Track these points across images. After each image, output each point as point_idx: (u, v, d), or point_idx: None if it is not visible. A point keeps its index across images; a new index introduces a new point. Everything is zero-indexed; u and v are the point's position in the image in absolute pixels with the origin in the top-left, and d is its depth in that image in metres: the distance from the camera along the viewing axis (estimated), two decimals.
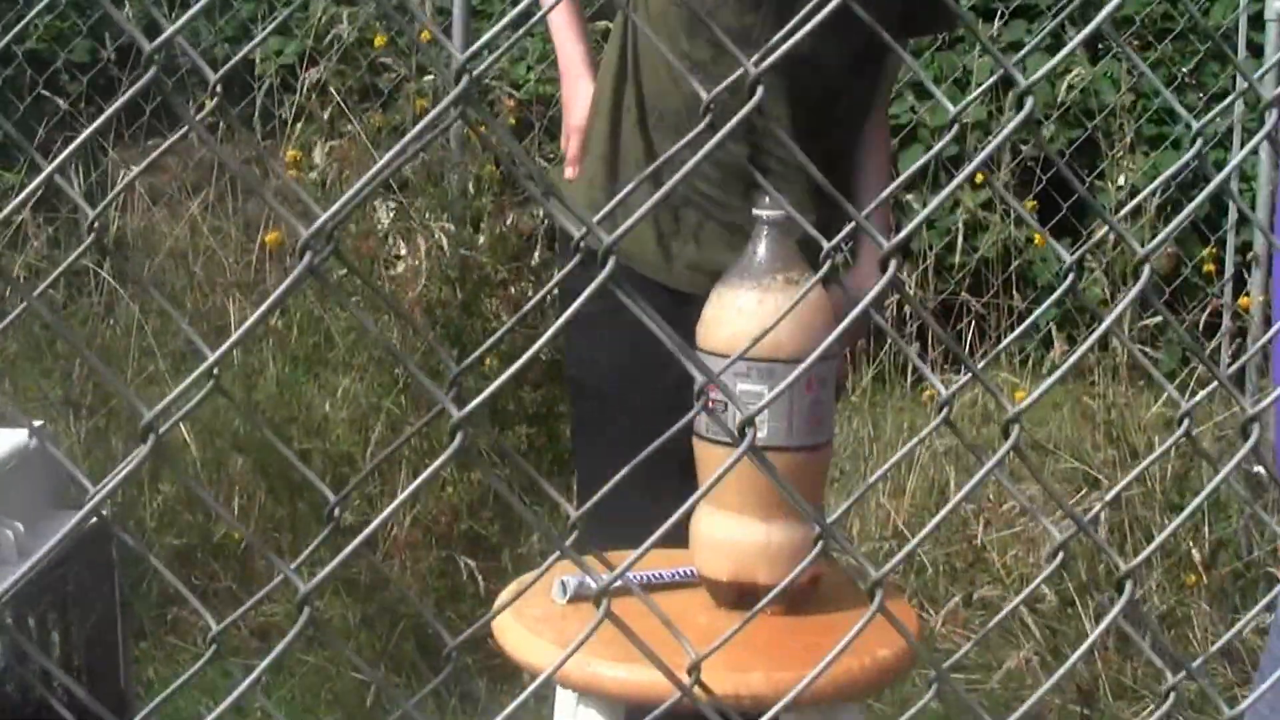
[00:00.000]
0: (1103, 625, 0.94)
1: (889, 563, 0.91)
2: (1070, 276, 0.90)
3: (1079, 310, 4.59)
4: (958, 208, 4.78)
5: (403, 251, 4.01)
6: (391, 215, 4.07)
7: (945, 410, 0.91)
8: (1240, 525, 3.86)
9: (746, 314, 1.78)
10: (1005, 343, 3.66)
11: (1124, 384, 4.15)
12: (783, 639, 1.77)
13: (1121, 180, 4.64)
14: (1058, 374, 0.96)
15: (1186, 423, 0.96)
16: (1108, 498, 1.05)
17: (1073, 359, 1.08)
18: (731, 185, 2.30)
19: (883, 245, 0.83)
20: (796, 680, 1.66)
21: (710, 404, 1.82)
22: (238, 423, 3.87)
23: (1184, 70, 4.93)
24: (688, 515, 1.78)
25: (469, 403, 0.88)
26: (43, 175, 0.82)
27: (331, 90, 4.28)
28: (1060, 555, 0.93)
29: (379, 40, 4.45)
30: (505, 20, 0.79)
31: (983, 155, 0.89)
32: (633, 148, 2.36)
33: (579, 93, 2.49)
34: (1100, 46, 4.97)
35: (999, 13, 5.03)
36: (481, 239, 3.98)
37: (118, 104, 0.82)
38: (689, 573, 1.88)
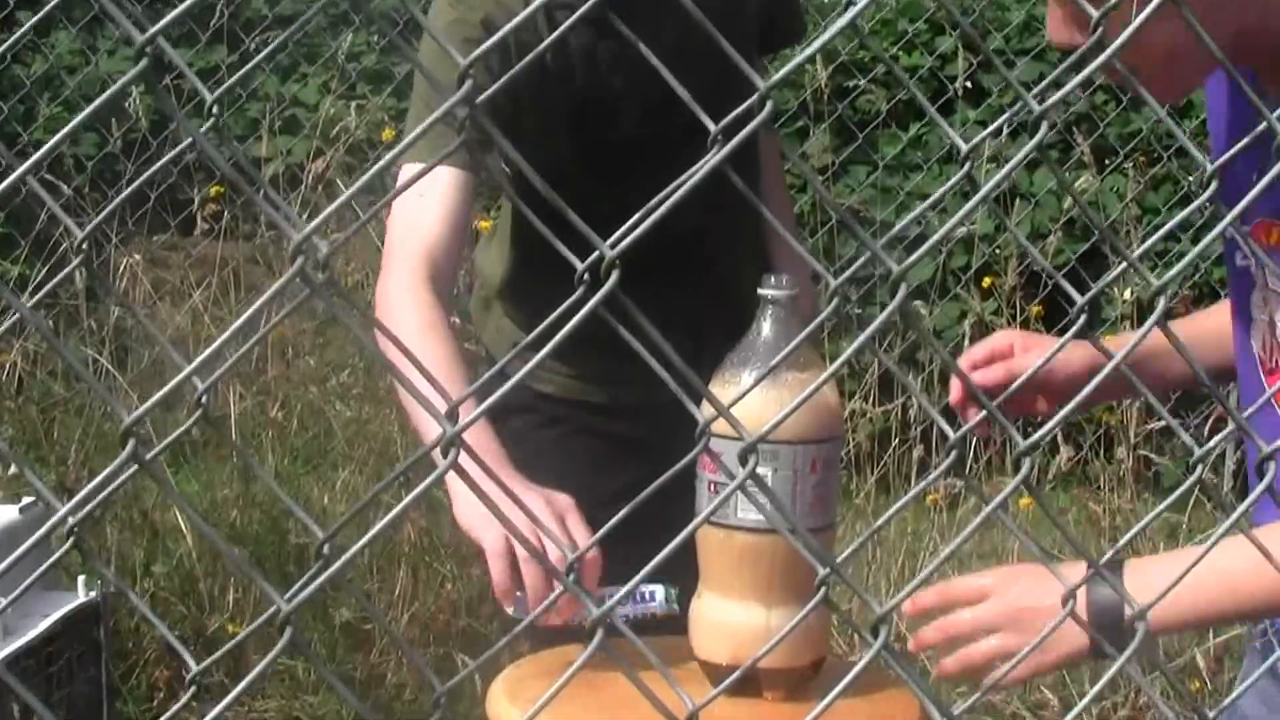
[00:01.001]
0: (1113, 669, 0.90)
1: (891, 601, 0.87)
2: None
3: (1086, 418, 4.56)
4: (965, 317, 4.76)
5: None
6: None
7: (954, 454, 0.88)
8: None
9: (755, 397, 1.74)
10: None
11: (1129, 491, 4.11)
12: None
13: (1128, 294, 4.64)
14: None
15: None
16: (1122, 540, 1.00)
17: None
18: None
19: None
20: None
21: (714, 487, 1.79)
22: (235, 513, 3.83)
23: (1192, 183, 4.93)
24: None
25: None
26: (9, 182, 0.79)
27: (338, 184, 4.29)
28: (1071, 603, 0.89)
29: (386, 134, 4.46)
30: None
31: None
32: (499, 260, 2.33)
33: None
34: (1107, 161, 4.99)
35: (1002, 129, 5.05)
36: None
37: (111, 91, 0.79)
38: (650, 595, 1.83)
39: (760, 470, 1.72)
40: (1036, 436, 0.87)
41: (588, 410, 2.25)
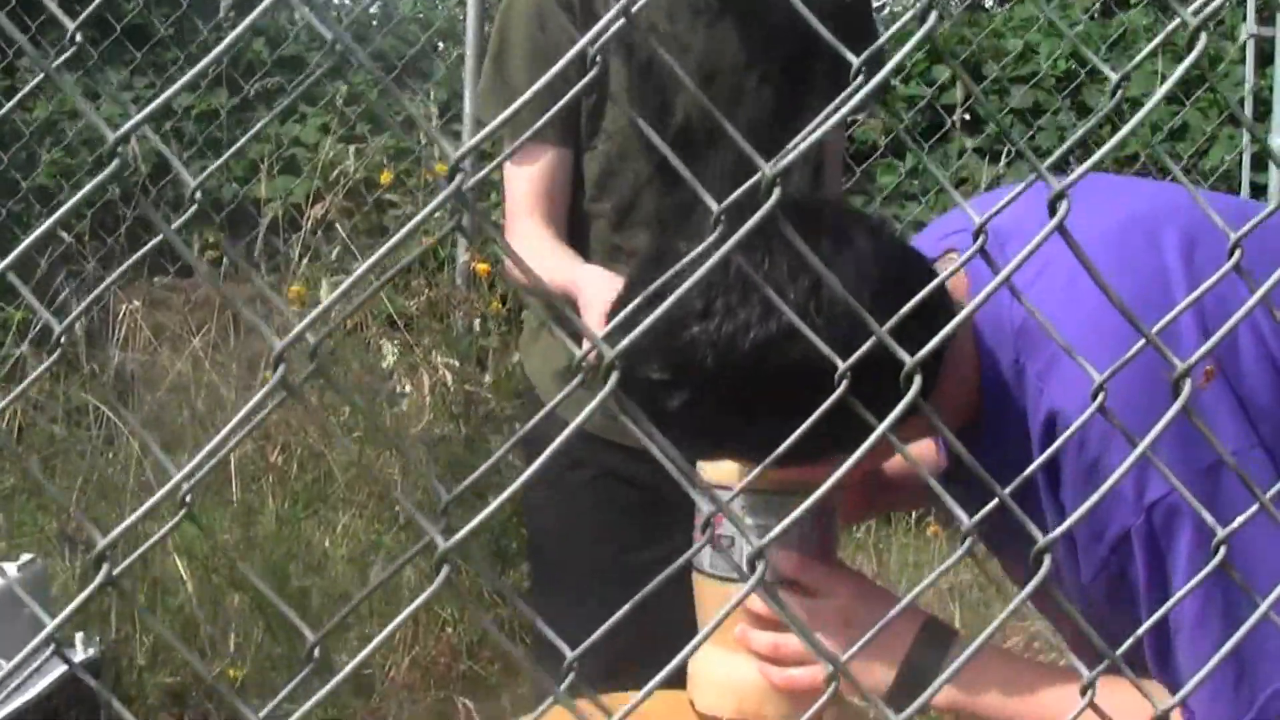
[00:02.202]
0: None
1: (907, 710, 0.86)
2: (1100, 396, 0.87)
3: None
4: None
5: (407, 389, 3.99)
6: (396, 354, 4.06)
7: (969, 541, 0.88)
8: None
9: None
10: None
11: None
12: None
13: None
14: (1083, 510, 0.93)
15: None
16: (1140, 630, 1.02)
17: (1102, 490, 1.04)
18: None
19: None
20: None
21: (717, 539, 1.79)
22: (235, 560, 3.82)
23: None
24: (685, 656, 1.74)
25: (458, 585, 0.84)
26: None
27: (338, 227, 4.29)
28: (1090, 693, 0.89)
29: (385, 177, 4.47)
30: (503, 116, 0.76)
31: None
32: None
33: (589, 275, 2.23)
34: None
35: (1001, 155, 5.06)
36: (487, 377, 3.96)
37: (83, 193, 0.79)
38: None
39: (769, 522, 1.71)
40: (1053, 536, 0.87)
41: (612, 451, 2.27)
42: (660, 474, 2.38)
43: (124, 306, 4.24)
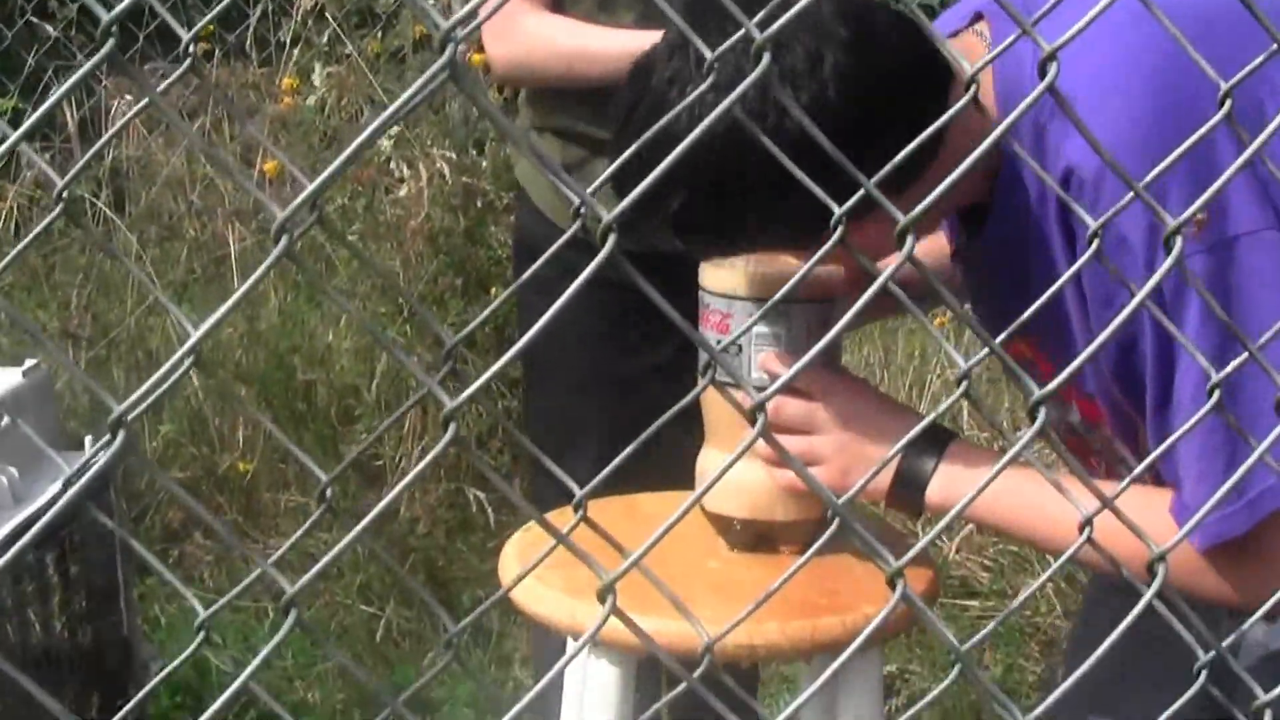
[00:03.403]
0: (1134, 613, 0.90)
1: (908, 553, 0.86)
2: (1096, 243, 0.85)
3: None
4: None
5: (405, 175, 3.94)
6: (392, 143, 4.00)
7: (965, 384, 0.87)
8: None
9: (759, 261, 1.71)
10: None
11: None
12: (798, 584, 1.71)
13: None
14: (1085, 355, 0.91)
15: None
16: (1133, 474, 1.02)
17: (1102, 338, 1.02)
18: None
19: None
20: (811, 630, 1.62)
21: (724, 352, 1.77)
22: (240, 353, 3.83)
23: None
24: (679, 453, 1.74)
25: (465, 377, 0.83)
26: (8, 145, 0.76)
27: (328, 15, 4.20)
28: (1089, 530, 0.90)
29: None
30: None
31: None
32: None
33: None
34: None
35: None
36: (484, 164, 3.91)
37: (75, 78, 0.76)
38: None
39: (774, 329, 1.71)
40: (1050, 388, 0.86)
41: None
42: (655, 276, 2.35)
43: (115, 102, 4.18)
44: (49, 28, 4.36)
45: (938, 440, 1.56)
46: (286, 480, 3.75)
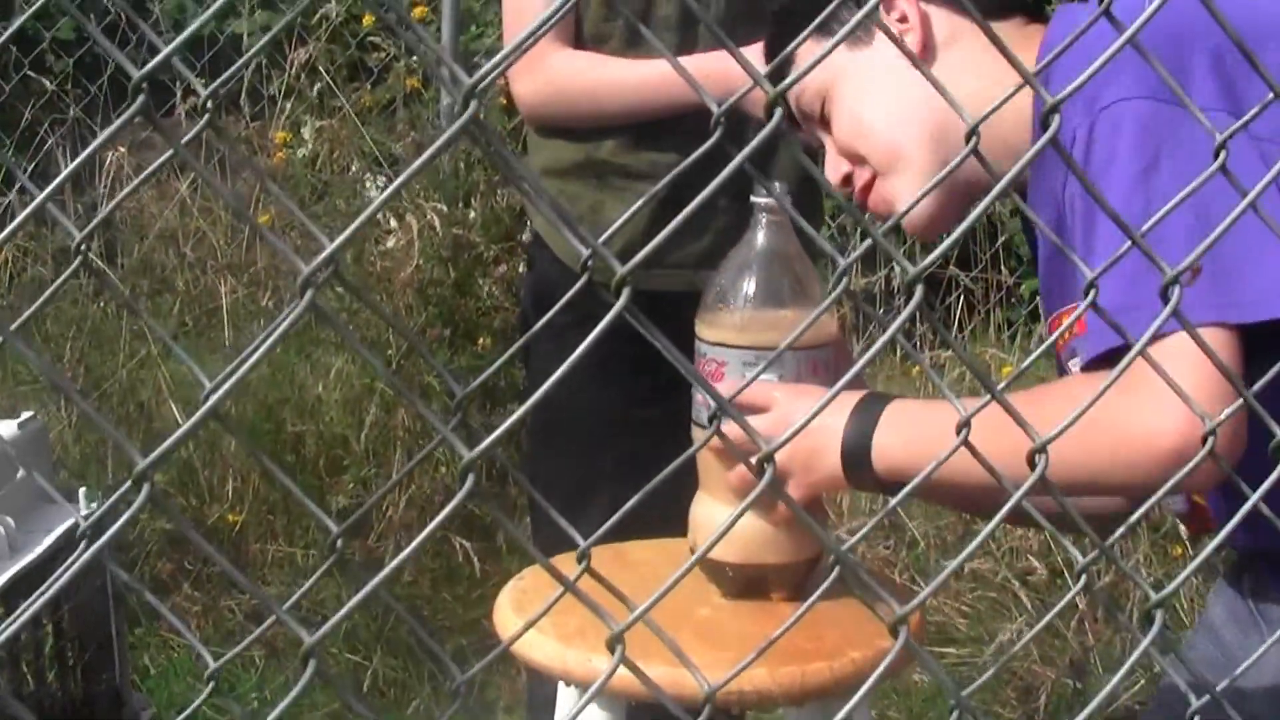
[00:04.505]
0: (1133, 657, 0.92)
1: (911, 602, 0.89)
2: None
3: None
4: None
5: (394, 227, 3.98)
6: (380, 191, 4.05)
7: (964, 432, 0.89)
8: None
9: (756, 307, 1.75)
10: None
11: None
12: (788, 631, 1.74)
13: None
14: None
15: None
16: (1130, 520, 1.03)
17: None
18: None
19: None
20: (801, 675, 1.65)
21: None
22: (229, 404, 3.85)
23: None
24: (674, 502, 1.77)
25: (471, 424, 0.86)
26: (34, 205, 0.80)
27: (320, 69, 4.25)
28: (1084, 578, 0.91)
29: (367, 19, 4.42)
30: (516, 42, 0.77)
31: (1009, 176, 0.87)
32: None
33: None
34: None
35: None
36: (473, 215, 3.95)
37: (109, 132, 0.80)
38: None
39: (767, 376, 1.74)
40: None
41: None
42: (670, 327, 2.38)
43: (109, 154, 4.22)
44: (45, 82, 4.40)
45: (872, 406, 1.58)
46: (274, 531, 3.77)
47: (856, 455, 1.57)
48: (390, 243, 3.97)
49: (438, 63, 2.63)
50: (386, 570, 0.79)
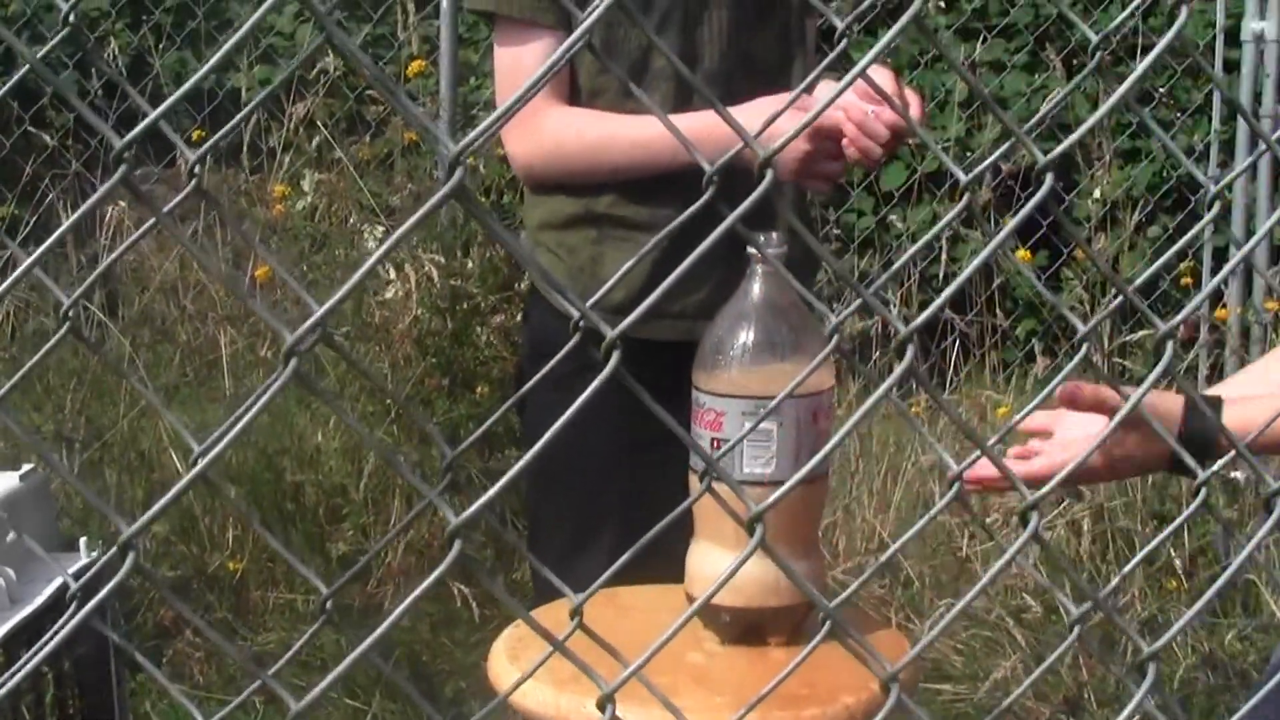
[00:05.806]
0: (1128, 710, 0.94)
1: (904, 658, 0.92)
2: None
3: (1061, 326, 4.63)
4: (936, 220, 4.80)
5: (392, 277, 4.03)
6: (379, 243, 4.10)
7: (956, 486, 0.92)
8: (1218, 530, 3.88)
9: (755, 358, 1.78)
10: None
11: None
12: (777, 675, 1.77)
13: (1097, 193, 4.69)
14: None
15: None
16: (1125, 569, 1.06)
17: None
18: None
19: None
20: None
21: (716, 444, 1.83)
22: (230, 454, 3.89)
23: (1159, 88, 4.95)
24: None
25: (464, 486, 0.90)
26: (23, 267, 0.84)
27: (318, 122, 4.31)
28: (1078, 629, 0.92)
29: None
30: (505, 107, 0.80)
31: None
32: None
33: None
34: (1075, 63, 5.01)
35: (979, 35, 5.06)
36: (470, 265, 4.00)
37: (86, 207, 0.84)
38: None
39: (766, 425, 1.77)
40: (1040, 496, 0.92)
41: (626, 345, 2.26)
42: (669, 374, 2.42)
43: (110, 208, 4.27)
44: (46, 137, 4.46)
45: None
46: (275, 578, 3.81)
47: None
48: (389, 293, 4.02)
49: (424, 128, 2.68)
50: (372, 637, 0.82)
